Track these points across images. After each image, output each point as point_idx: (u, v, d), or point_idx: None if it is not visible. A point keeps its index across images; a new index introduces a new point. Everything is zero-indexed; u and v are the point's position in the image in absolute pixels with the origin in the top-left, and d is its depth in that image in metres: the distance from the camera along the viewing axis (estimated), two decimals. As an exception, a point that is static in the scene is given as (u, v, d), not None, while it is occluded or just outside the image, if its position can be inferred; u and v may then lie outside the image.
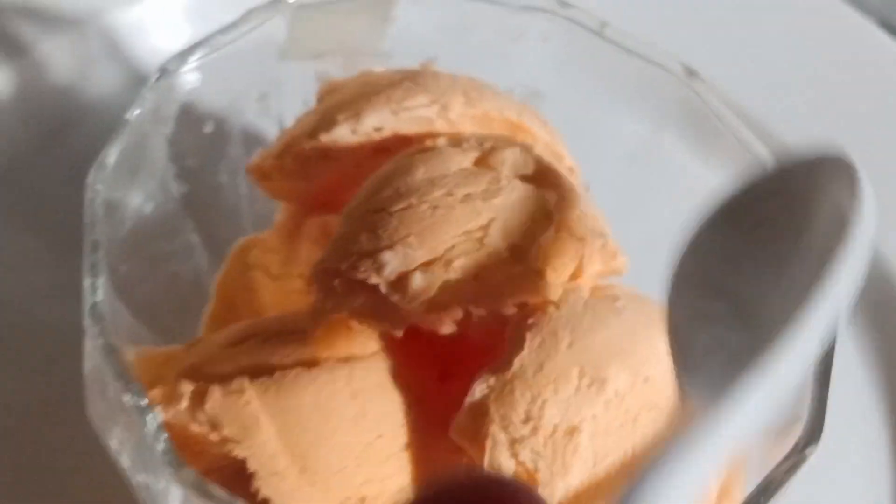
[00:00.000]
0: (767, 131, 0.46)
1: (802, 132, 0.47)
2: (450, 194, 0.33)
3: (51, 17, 0.48)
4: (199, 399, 0.31)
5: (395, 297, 0.31)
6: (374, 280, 0.31)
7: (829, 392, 0.29)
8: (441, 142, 0.34)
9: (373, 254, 0.31)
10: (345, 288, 0.31)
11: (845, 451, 0.41)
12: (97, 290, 0.28)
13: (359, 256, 0.31)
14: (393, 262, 0.31)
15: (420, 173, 0.33)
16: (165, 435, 0.27)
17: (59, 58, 0.48)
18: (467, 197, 0.32)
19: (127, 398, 0.27)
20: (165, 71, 0.33)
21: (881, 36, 0.52)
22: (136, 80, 0.48)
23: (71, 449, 0.38)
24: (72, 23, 0.48)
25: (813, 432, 0.28)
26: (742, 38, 0.50)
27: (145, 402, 0.27)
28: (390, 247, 0.31)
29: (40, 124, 0.46)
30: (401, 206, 0.32)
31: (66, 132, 0.47)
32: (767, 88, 0.49)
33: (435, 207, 0.32)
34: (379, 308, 0.32)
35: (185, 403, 0.31)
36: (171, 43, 0.47)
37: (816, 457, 0.39)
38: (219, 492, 0.26)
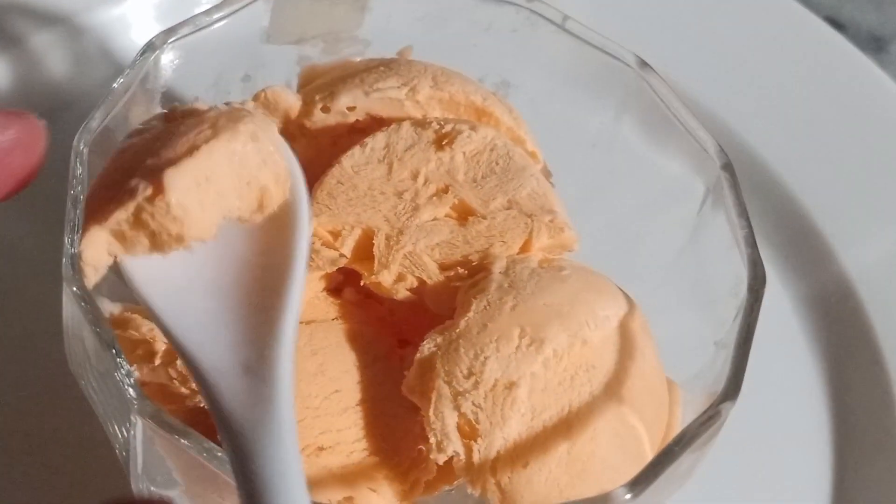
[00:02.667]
0: (719, 119, 0.48)
1: (751, 119, 0.49)
2: (413, 178, 0.35)
3: (43, 12, 0.50)
4: (171, 357, 0.33)
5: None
6: None
7: (747, 357, 0.32)
8: (407, 123, 0.37)
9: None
10: None
11: (789, 439, 0.43)
12: (75, 243, 0.31)
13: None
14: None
15: (383, 152, 0.35)
16: (133, 376, 0.29)
17: (50, 50, 0.49)
18: (426, 179, 0.35)
19: (98, 340, 0.29)
20: (151, 45, 0.36)
21: (827, 30, 0.54)
22: (123, 71, 0.51)
23: (63, 420, 0.39)
24: (62, 18, 0.50)
25: (728, 392, 0.31)
26: (697, 32, 0.52)
27: (117, 346, 0.29)
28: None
29: (32, 111, 0.49)
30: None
31: (56, 119, 0.48)
32: (720, 79, 0.51)
33: (401, 193, 0.35)
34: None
35: (158, 360, 0.33)
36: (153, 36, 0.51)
37: (762, 445, 0.42)
38: (176, 422, 0.28)
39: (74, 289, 0.30)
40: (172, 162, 0.26)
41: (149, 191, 0.26)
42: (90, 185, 0.30)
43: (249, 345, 0.26)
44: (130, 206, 0.26)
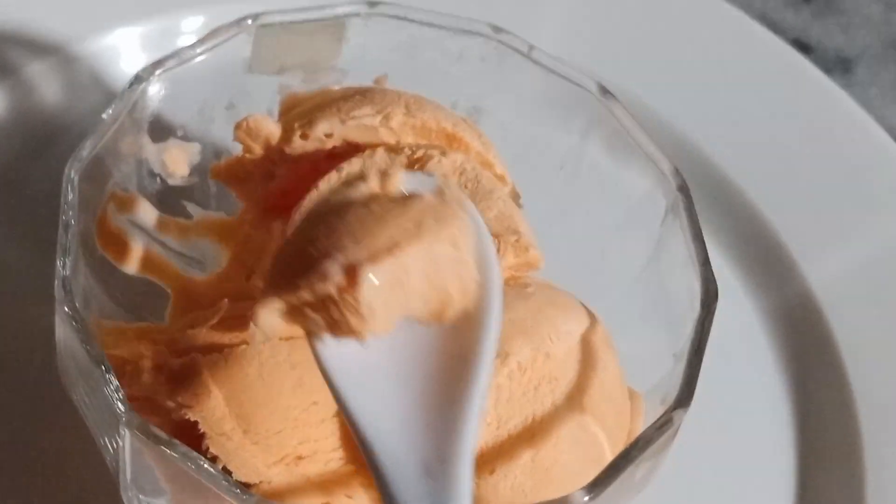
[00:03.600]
0: (686, 139, 0.50)
1: (717, 139, 0.52)
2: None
3: (37, 42, 0.52)
4: (158, 371, 0.35)
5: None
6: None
7: (699, 365, 0.34)
8: (381, 149, 0.39)
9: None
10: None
11: (753, 448, 0.45)
12: (66, 266, 0.33)
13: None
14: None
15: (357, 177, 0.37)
16: (122, 391, 0.31)
17: (43, 80, 0.51)
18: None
19: (88, 358, 0.31)
20: (139, 78, 0.38)
21: (792, 53, 0.56)
22: (113, 99, 0.53)
23: (58, 441, 0.41)
24: (54, 48, 0.51)
25: (681, 399, 0.33)
26: (662, 56, 0.54)
27: (106, 363, 0.31)
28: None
29: (26, 138, 0.50)
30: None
31: (49, 145, 0.50)
32: (687, 101, 0.53)
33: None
34: None
35: (147, 376, 0.35)
36: (142, 66, 0.53)
37: (726, 454, 0.44)
38: (160, 432, 0.30)
39: (66, 309, 0.32)
40: (371, 256, 0.26)
41: (342, 282, 0.26)
42: (282, 242, 0.30)
43: (430, 439, 0.26)
44: (319, 291, 0.26)
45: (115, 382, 0.31)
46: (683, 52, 0.54)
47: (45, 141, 0.51)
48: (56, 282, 0.33)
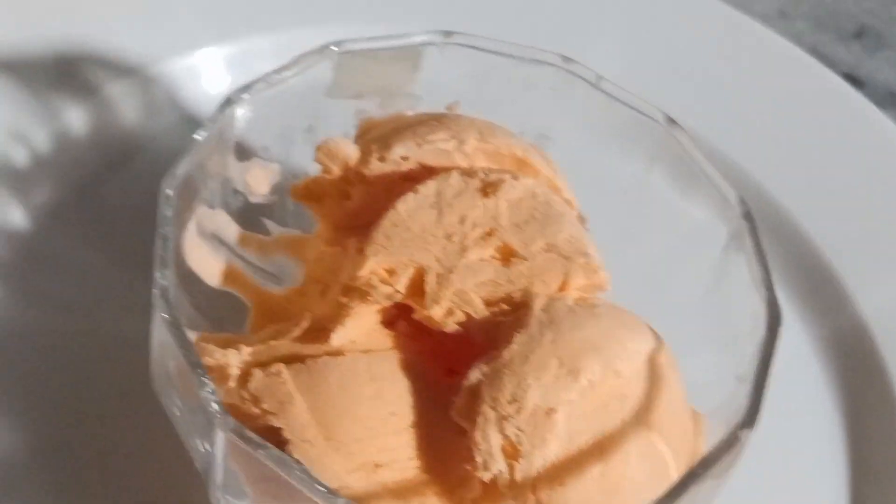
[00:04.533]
0: (742, 169, 0.52)
1: (773, 170, 0.53)
2: (461, 222, 0.39)
3: (115, 62, 0.54)
4: (244, 380, 0.37)
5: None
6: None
7: (764, 386, 0.35)
8: (455, 172, 0.40)
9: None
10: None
11: (806, 473, 0.47)
12: (165, 276, 0.35)
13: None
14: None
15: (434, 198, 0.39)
16: (217, 394, 0.33)
17: (123, 97, 0.54)
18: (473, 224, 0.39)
19: (186, 363, 0.33)
20: (229, 100, 0.40)
21: (845, 86, 0.58)
22: (188, 117, 0.54)
23: (137, 447, 0.43)
24: (134, 68, 0.54)
25: (747, 419, 0.34)
26: (721, 87, 0.56)
27: (202, 368, 0.33)
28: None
29: (106, 154, 0.52)
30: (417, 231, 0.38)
31: (128, 162, 0.53)
32: (743, 132, 0.54)
33: (450, 235, 0.39)
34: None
35: (232, 383, 0.37)
36: (218, 87, 0.55)
37: (780, 479, 0.45)
38: (254, 436, 0.32)
39: (165, 316, 0.34)
40: None
41: None
42: None
43: None
44: None
45: (211, 385, 0.33)
46: (738, 84, 0.56)
47: (124, 158, 0.53)
48: (154, 291, 0.35)
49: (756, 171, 0.53)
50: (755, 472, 0.41)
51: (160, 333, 0.35)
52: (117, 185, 0.52)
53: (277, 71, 0.41)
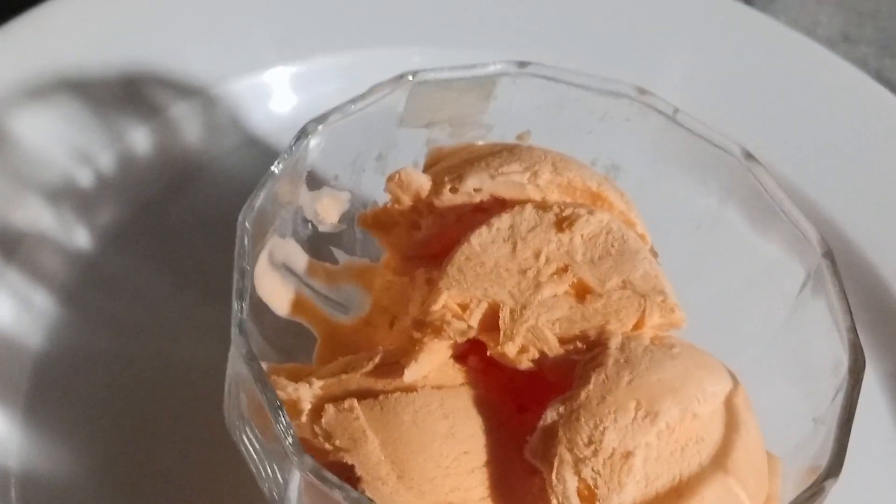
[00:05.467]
0: (818, 208, 0.51)
1: (847, 206, 0.52)
2: (536, 257, 0.39)
3: (180, 83, 0.54)
4: (316, 415, 0.36)
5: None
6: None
7: (849, 436, 0.34)
8: (529, 205, 0.40)
9: None
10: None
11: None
12: (243, 310, 0.35)
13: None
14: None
15: (508, 232, 0.39)
16: (293, 429, 0.33)
17: (186, 118, 0.54)
18: (547, 259, 0.39)
19: (264, 398, 0.33)
20: (304, 132, 0.39)
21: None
22: (252, 138, 0.55)
23: (202, 471, 0.43)
24: (198, 89, 0.54)
25: (832, 469, 0.33)
26: (799, 122, 0.55)
27: (278, 402, 0.33)
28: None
29: (170, 174, 0.53)
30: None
31: (191, 181, 0.53)
32: (820, 169, 0.54)
33: (524, 270, 0.38)
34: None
35: (304, 418, 0.37)
36: (282, 107, 0.55)
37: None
38: (332, 476, 0.32)
39: (243, 351, 0.34)
40: None
41: None
42: None
43: None
44: None
45: (287, 420, 0.33)
46: (816, 122, 0.55)
47: (187, 178, 0.54)
48: (233, 325, 0.34)
49: (830, 206, 0.52)
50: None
51: (236, 367, 0.35)
52: (181, 206, 0.52)
53: (352, 101, 0.40)
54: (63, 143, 0.52)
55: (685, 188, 0.44)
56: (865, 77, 0.59)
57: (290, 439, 0.33)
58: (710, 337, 0.40)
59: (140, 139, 0.53)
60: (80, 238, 0.50)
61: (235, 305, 0.35)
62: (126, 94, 0.54)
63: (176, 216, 0.52)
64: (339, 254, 0.45)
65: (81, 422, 0.45)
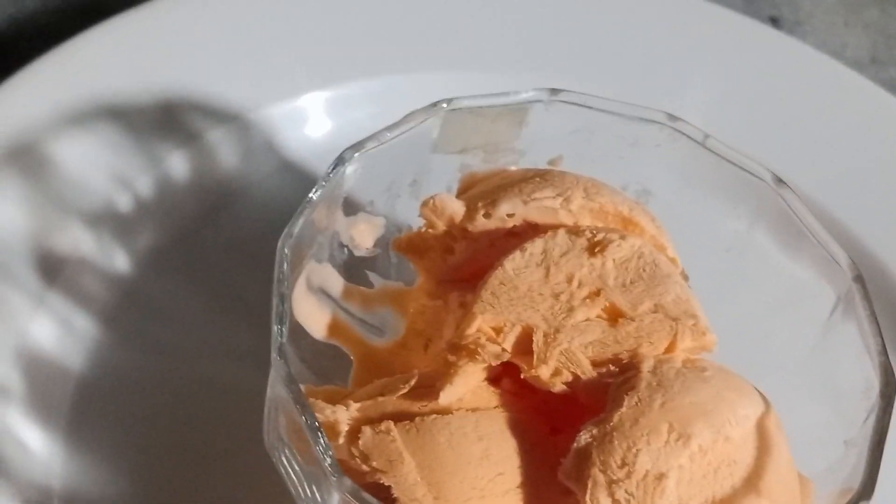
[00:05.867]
0: (847, 231, 0.51)
1: (882, 234, 0.52)
2: (568, 281, 0.39)
3: (216, 109, 0.55)
4: (353, 437, 0.37)
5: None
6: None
7: (881, 458, 0.35)
8: (562, 230, 0.41)
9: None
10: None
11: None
12: (283, 334, 0.36)
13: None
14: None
15: (541, 257, 0.39)
16: (332, 451, 0.33)
17: (223, 143, 0.55)
18: (580, 283, 0.39)
19: (303, 420, 0.34)
20: (341, 160, 0.40)
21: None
22: (287, 162, 0.56)
23: (244, 486, 0.44)
24: (234, 115, 0.55)
25: (864, 492, 0.34)
26: (826, 146, 0.56)
27: (317, 423, 0.34)
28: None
29: (207, 198, 0.54)
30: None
31: (228, 205, 0.54)
32: (849, 192, 0.54)
33: (557, 294, 0.39)
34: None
35: (342, 440, 0.37)
36: (318, 132, 0.56)
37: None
38: (370, 498, 0.32)
39: (283, 374, 0.34)
40: None
41: None
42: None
43: None
44: None
45: (326, 442, 0.33)
46: (843, 147, 0.56)
47: (224, 203, 0.54)
48: (273, 349, 0.35)
49: (858, 228, 0.52)
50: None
51: (276, 390, 0.36)
52: (218, 231, 0.53)
53: (388, 129, 0.41)
54: (102, 168, 0.53)
55: (715, 212, 0.44)
56: (894, 99, 0.59)
57: (328, 461, 0.33)
58: (740, 359, 0.41)
59: (177, 164, 0.54)
60: (120, 262, 0.51)
61: (275, 329, 0.35)
62: (164, 121, 0.55)
63: (213, 240, 0.53)
64: (374, 277, 0.45)
65: (122, 443, 0.45)
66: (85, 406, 0.46)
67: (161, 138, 0.54)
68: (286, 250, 0.37)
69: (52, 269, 0.49)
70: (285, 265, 0.37)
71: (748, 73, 0.59)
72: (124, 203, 0.52)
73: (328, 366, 0.43)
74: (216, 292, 0.51)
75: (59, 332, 0.48)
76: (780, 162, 0.48)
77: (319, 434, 0.34)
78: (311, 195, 0.39)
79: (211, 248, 0.53)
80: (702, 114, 0.49)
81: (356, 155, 0.40)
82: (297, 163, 0.56)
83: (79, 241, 0.51)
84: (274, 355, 0.35)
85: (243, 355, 0.48)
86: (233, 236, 0.53)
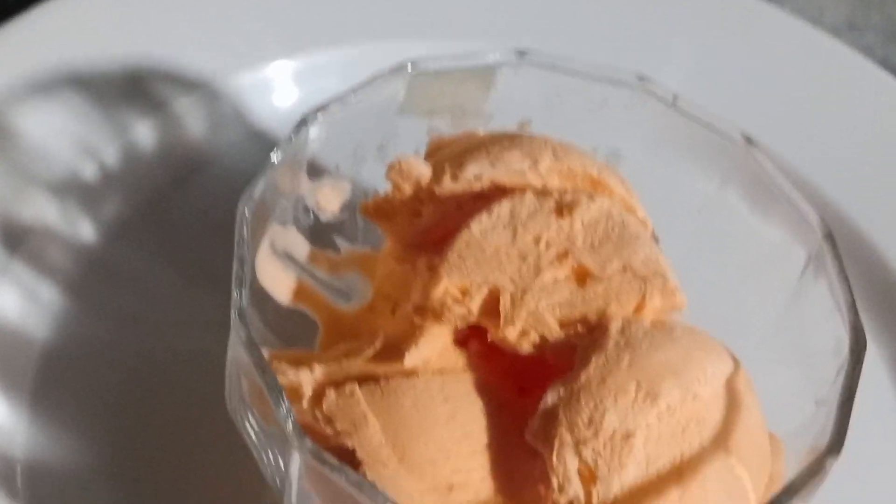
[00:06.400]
0: (819, 193, 0.51)
1: (848, 190, 0.52)
2: (536, 242, 0.39)
3: (183, 77, 0.55)
4: (317, 399, 0.37)
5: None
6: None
7: (850, 414, 0.34)
8: (529, 192, 0.40)
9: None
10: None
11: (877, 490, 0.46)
12: (243, 296, 0.35)
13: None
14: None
15: (508, 218, 0.39)
16: (294, 414, 0.33)
17: (189, 112, 0.54)
18: (547, 244, 0.39)
19: (263, 382, 0.33)
20: (304, 121, 0.40)
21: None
22: (255, 131, 0.55)
23: (206, 462, 0.44)
24: (201, 83, 0.55)
25: (832, 447, 0.33)
26: (803, 111, 0.55)
27: (279, 387, 0.33)
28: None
29: (174, 168, 0.53)
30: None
31: (195, 175, 0.53)
32: (821, 151, 0.54)
33: (525, 256, 0.39)
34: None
35: (306, 403, 0.37)
36: (286, 101, 0.55)
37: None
38: (332, 459, 0.32)
39: (242, 336, 0.34)
40: None
41: None
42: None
43: None
44: None
45: (289, 406, 0.33)
46: (813, 105, 0.55)
47: (191, 172, 0.54)
48: (232, 311, 0.35)
49: (830, 189, 0.52)
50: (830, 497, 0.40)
51: (236, 353, 0.35)
52: (185, 200, 0.53)
53: (353, 90, 0.41)
54: (67, 137, 0.52)
55: (686, 174, 0.44)
56: (871, 65, 0.59)
57: (290, 424, 0.33)
58: (711, 321, 0.40)
59: (143, 133, 0.53)
60: (85, 231, 0.50)
61: (235, 292, 0.35)
62: (129, 90, 0.54)
63: (179, 209, 0.52)
64: (341, 242, 0.45)
65: (87, 412, 0.45)
66: (49, 376, 0.46)
67: (127, 107, 0.54)
68: (247, 212, 0.37)
69: (16, 239, 0.49)
70: (245, 228, 0.36)
71: (725, 37, 0.59)
72: (89, 172, 0.52)
73: (294, 331, 0.42)
74: (183, 261, 0.50)
75: (22, 301, 0.47)
76: (756, 127, 0.47)
77: (280, 396, 0.33)
78: (272, 157, 0.38)
79: (177, 217, 0.52)
80: (676, 78, 0.48)
81: (319, 116, 0.40)
82: (265, 132, 0.55)
83: (43, 210, 0.50)
84: (234, 317, 0.34)
85: (210, 324, 0.46)
86: (199, 205, 0.52)
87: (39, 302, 0.48)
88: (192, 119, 0.55)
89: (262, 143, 0.55)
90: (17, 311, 0.47)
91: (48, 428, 0.44)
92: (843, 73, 0.58)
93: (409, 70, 0.41)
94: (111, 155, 0.53)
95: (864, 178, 0.53)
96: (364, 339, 0.39)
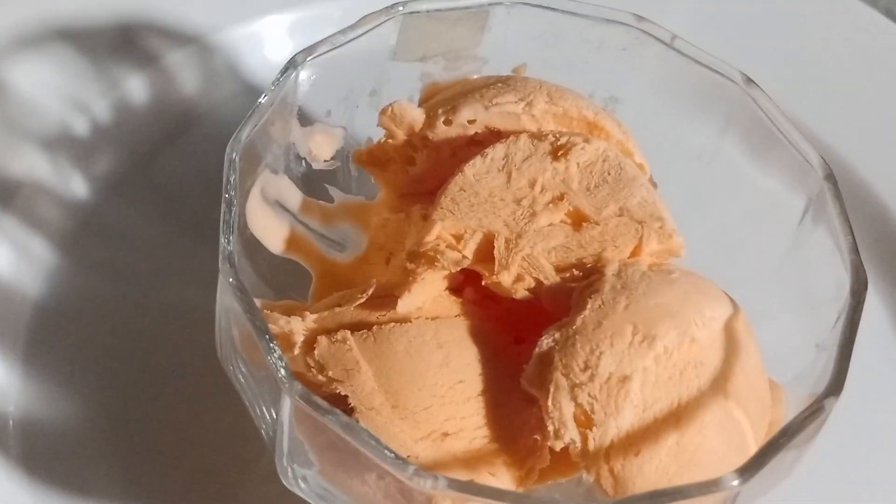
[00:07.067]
0: (819, 137, 0.50)
1: (850, 135, 0.51)
2: (531, 186, 0.38)
3: (176, 31, 0.54)
4: (309, 347, 0.36)
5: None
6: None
7: (850, 355, 0.33)
8: (524, 135, 0.39)
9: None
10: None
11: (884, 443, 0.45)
12: (230, 241, 0.34)
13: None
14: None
15: (502, 162, 0.38)
16: (285, 361, 0.32)
17: (181, 67, 0.53)
18: (543, 188, 0.38)
19: (253, 329, 0.33)
20: (293, 62, 0.39)
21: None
22: (249, 86, 0.54)
23: (201, 416, 0.43)
24: (193, 37, 0.54)
25: (832, 388, 0.33)
26: (800, 50, 0.54)
27: (269, 331, 0.32)
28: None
29: (167, 123, 0.52)
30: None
31: (188, 130, 0.52)
32: (820, 96, 0.53)
33: (519, 200, 0.38)
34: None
35: (297, 351, 0.36)
36: (280, 55, 0.54)
37: (855, 447, 0.43)
38: (322, 402, 0.31)
39: (231, 281, 0.33)
40: None
41: None
42: None
43: None
44: None
45: (279, 351, 0.32)
46: (816, 49, 0.54)
47: (184, 127, 0.53)
48: (220, 256, 0.34)
49: (833, 135, 0.51)
50: (832, 443, 0.40)
51: (226, 299, 0.34)
52: (177, 155, 0.52)
53: (342, 32, 0.40)
54: (59, 91, 0.51)
55: (685, 118, 0.43)
56: (867, 7, 0.58)
57: (281, 371, 0.32)
58: (712, 268, 0.39)
59: (136, 88, 0.52)
60: (77, 186, 0.50)
61: (223, 238, 0.34)
62: (122, 43, 0.53)
63: (172, 164, 0.51)
64: (334, 192, 0.44)
65: (80, 367, 0.44)
66: (41, 331, 0.45)
67: (119, 61, 0.53)
68: (234, 156, 0.36)
69: (7, 194, 0.48)
70: (233, 171, 0.35)
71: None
72: (81, 127, 0.51)
73: (287, 281, 0.42)
74: (175, 215, 0.50)
75: (14, 257, 0.47)
76: (755, 70, 0.46)
77: (271, 343, 0.32)
78: (260, 100, 0.37)
79: (170, 172, 0.51)
80: (675, 20, 0.47)
81: (308, 59, 0.39)
82: (258, 86, 0.54)
83: (34, 165, 0.49)
84: (222, 263, 0.34)
85: (203, 278, 0.46)
86: (192, 160, 0.51)
87: (31, 257, 0.47)
88: (185, 73, 0.54)
89: (256, 97, 0.53)
90: (8, 266, 0.46)
91: (41, 382, 0.44)
92: (841, 18, 0.57)
93: (401, 10, 0.40)
94: (103, 109, 0.52)
95: (864, 122, 0.52)
96: (356, 286, 0.38)
